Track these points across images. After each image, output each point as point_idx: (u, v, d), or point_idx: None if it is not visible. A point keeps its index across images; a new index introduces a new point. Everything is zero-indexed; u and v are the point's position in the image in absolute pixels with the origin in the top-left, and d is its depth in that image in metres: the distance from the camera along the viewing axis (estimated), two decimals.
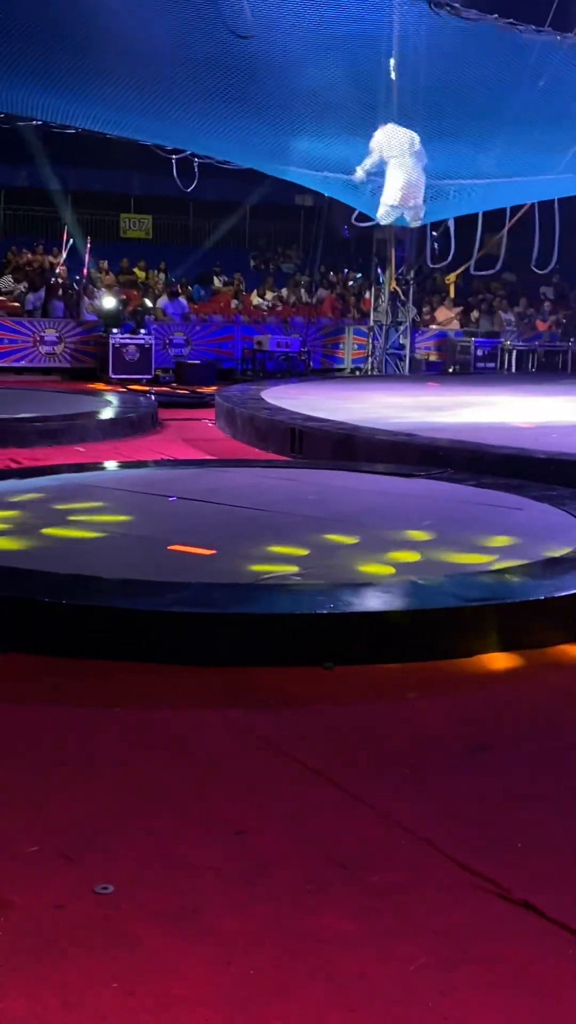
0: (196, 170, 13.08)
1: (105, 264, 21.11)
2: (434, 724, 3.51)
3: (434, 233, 15.88)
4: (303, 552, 4.89)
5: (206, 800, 2.88)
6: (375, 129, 11.70)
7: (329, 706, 3.61)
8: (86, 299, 18.60)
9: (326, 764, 3.09)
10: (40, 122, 12.31)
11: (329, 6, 9.05)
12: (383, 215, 12.53)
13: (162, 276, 22.30)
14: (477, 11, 9.43)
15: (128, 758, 3.14)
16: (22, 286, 19.18)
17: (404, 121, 11.48)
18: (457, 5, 9.35)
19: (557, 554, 4.85)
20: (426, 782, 3.02)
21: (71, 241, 20.05)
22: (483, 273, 18.48)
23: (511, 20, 9.70)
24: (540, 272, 15.71)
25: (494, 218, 17.44)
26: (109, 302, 17.35)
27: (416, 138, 11.51)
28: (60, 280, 19.02)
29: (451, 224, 16.31)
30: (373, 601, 4.14)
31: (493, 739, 3.37)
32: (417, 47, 9.86)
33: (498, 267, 15.63)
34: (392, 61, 10.18)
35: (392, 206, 12.18)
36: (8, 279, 19.75)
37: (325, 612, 3.95)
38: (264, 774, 3.06)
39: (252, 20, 8.38)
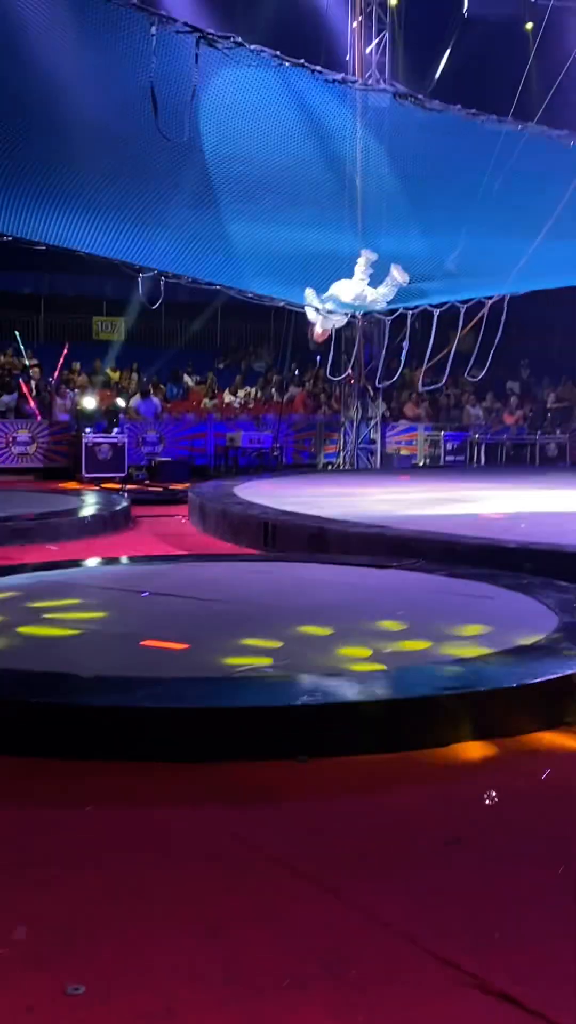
0: (162, 287, 13.32)
1: (78, 365, 21.37)
2: (410, 816, 3.48)
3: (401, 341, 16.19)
4: (276, 644, 4.88)
5: (181, 898, 2.82)
6: (340, 222, 12.06)
7: (304, 800, 3.57)
8: (59, 399, 18.77)
9: (301, 859, 3.05)
10: (10, 238, 12.56)
11: (288, 105, 9.32)
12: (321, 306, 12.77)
13: (135, 376, 22.58)
14: (440, 101, 9.75)
15: (101, 857, 3.09)
16: None
17: (369, 213, 11.86)
18: (421, 97, 9.68)
19: (529, 641, 4.86)
20: (403, 875, 2.99)
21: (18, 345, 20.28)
22: (438, 386, 18.83)
23: (473, 110, 10.00)
24: (473, 379, 15.97)
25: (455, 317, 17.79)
26: (90, 402, 17.52)
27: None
28: (33, 381, 19.21)
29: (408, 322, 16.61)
30: (345, 692, 4.13)
31: (470, 830, 3.34)
32: (381, 138, 10.16)
33: (446, 373, 15.87)
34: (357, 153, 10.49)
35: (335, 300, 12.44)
36: None
37: (297, 704, 3.94)
38: (239, 870, 3.01)
39: (190, 131, 8.56)
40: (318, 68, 8.82)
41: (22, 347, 20.26)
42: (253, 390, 22.73)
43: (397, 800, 3.61)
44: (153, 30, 7.70)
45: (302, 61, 8.69)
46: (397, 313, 15.32)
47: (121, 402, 18.86)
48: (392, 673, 4.35)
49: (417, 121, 9.61)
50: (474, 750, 3.97)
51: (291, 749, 3.83)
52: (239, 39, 8.15)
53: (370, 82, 16.89)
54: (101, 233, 12.11)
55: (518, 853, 3.18)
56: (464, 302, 14.32)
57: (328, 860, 3.08)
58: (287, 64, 8.62)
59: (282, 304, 14.78)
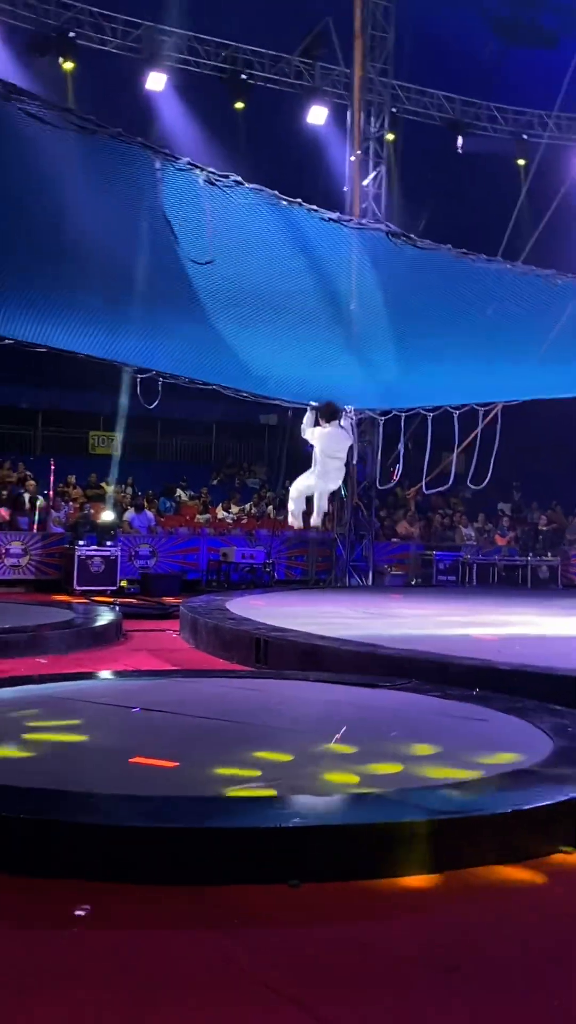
0: (160, 389, 13.56)
1: (73, 479, 21.54)
2: (404, 944, 3.41)
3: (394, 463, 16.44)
4: (266, 764, 4.83)
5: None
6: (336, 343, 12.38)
7: (296, 926, 3.50)
8: (53, 512, 18.86)
9: (294, 987, 2.99)
10: (12, 341, 12.82)
11: (288, 237, 9.58)
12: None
13: (129, 490, 22.74)
14: (431, 241, 10.07)
15: (90, 979, 3.01)
16: None
17: (362, 340, 12.20)
18: (413, 236, 9.99)
19: (524, 766, 4.82)
20: (395, 1004, 2.92)
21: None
22: (438, 490, 19.02)
23: (464, 250, 10.34)
24: (476, 487, 16.18)
25: (448, 437, 18.07)
26: (108, 515, 17.61)
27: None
28: (27, 495, 19.33)
29: (404, 445, 16.88)
30: (338, 815, 4.08)
31: (464, 959, 3.27)
32: (375, 272, 10.46)
33: (448, 483, 16.06)
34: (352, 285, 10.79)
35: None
36: None
37: (288, 827, 3.88)
38: (231, 998, 2.94)
39: (211, 248, 8.83)
40: (314, 208, 9.14)
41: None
42: (247, 506, 22.88)
43: (390, 928, 3.54)
44: (157, 165, 7.97)
45: (299, 200, 9.01)
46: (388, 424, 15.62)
47: (108, 515, 18.80)
48: (386, 796, 4.29)
49: (409, 257, 9.94)
50: (469, 877, 3.90)
51: (282, 873, 3.77)
52: (238, 178, 8.44)
53: (366, 214, 17.48)
54: (100, 338, 12.42)
55: (512, 983, 3.11)
56: (457, 408, 14.60)
57: (320, 988, 3.01)
58: (284, 203, 8.93)
59: (277, 402, 15.00)
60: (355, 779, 4.65)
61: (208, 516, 21.95)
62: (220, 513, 22.42)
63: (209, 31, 20.31)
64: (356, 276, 10.60)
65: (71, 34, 19.11)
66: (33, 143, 7.54)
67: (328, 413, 12.77)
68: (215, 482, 26.57)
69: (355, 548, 18.72)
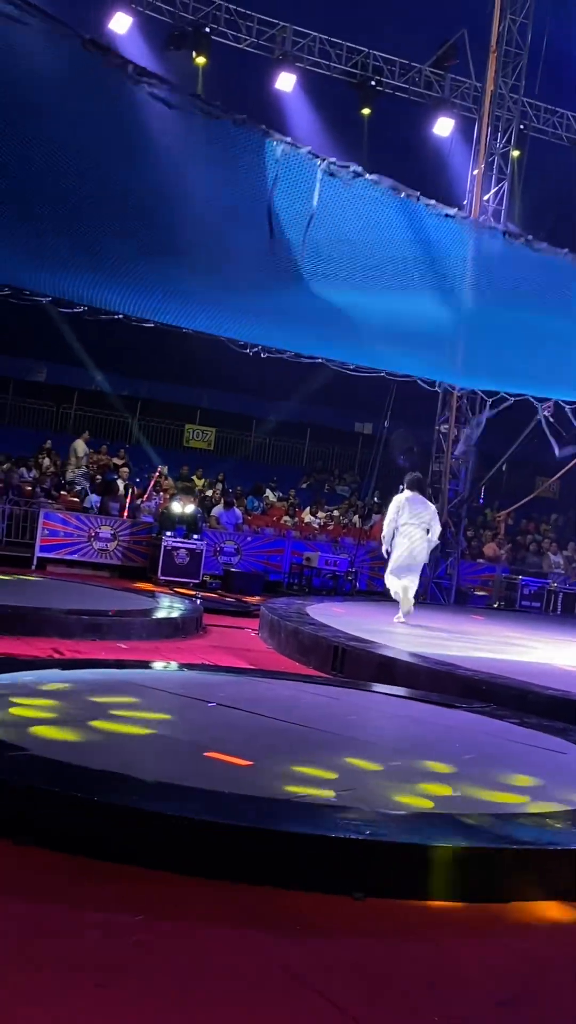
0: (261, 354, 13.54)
1: (165, 470, 21.73)
2: (464, 970, 3.33)
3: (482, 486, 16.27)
4: (336, 773, 4.78)
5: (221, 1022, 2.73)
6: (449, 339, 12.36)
7: (357, 939, 3.44)
8: (145, 502, 19.04)
9: (349, 1001, 2.94)
10: (120, 315, 12.99)
11: (410, 234, 9.56)
12: None
13: (219, 486, 22.87)
14: (547, 244, 9.93)
15: (144, 971, 3.00)
16: (85, 483, 19.76)
17: (473, 337, 12.20)
18: (531, 238, 9.87)
19: None
20: None
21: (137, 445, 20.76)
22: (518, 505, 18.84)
23: None
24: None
25: (548, 461, 17.83)
26: (177, 506, 17.71)
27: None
28: (121, 481, 19.54)
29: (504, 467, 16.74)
30: (410, 832, 4.00)
31: (524, 992, 3.18)
32: (491, 274, 10.38)
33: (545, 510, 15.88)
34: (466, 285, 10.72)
35: None
36: (74, 472, 20.38)
37: (359, 838, 3.82)
38: (283, 1005, 2.90)
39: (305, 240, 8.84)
40: (433, 202, 9.09)
41: (152, 453, 20.73)
42: (334, 512, 22.83)
43: (453, 952, 3.46)
44: (279, 153, 7.98)
45: (418, 193, 8.95)
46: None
47: (176, 507, 18.49)
48: (459, 819, 4.21)
49: (527, 259, 9.83)
50: (539, 910, 3.81)
51: (347, 884, 3.72)
52: (359, 169, 8.42)
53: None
54: (205, 317, 12.58)
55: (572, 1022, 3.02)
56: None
57: (376, 1006, 2.96)
58: (403, 195, 8.88)
59: (383, 374, 14.92)
60: (428, 803, 4.58)
61: (295, 519, 21.96)
62: (307, 517, 22.42)
63: (343, 35, 20.34)
64: (472, 277, 10.54)
65: (207, 29, 19.28)
66: (161, 133, 7.60)
67: (414, 483, 12.54)
68: (304, 486, 26.60)
69: (440, 565, 18.54)
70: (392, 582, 12.34)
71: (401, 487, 12.63)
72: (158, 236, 9.80)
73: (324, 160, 8.20)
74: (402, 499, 12.29)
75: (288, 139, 8.02)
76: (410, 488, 12.43)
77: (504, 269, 10.32)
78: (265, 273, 10.42)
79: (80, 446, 21.56)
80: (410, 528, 12.15)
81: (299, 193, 8.57)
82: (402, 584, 12.19)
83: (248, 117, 7.62)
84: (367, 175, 8.54)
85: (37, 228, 9.72)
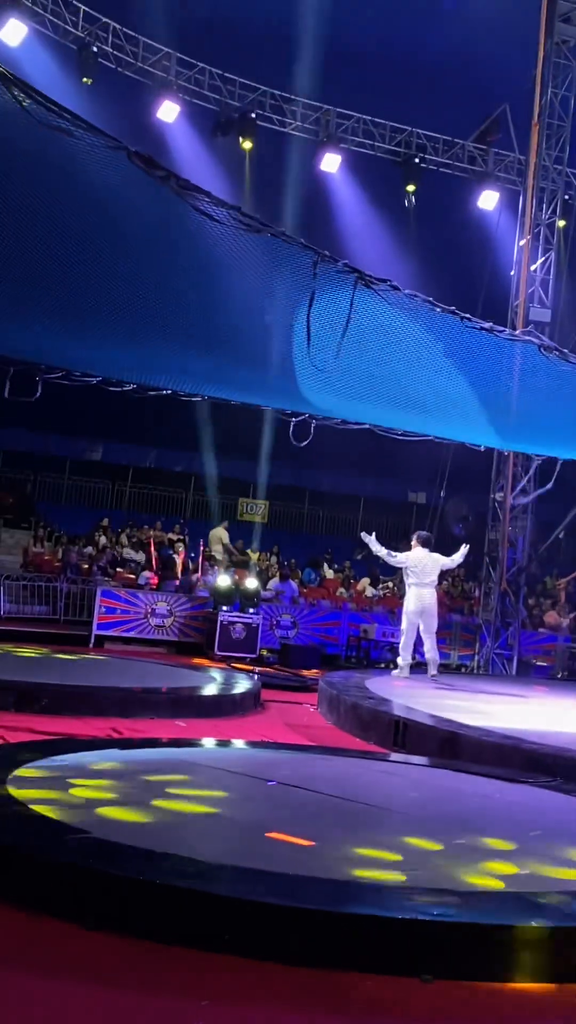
0: (312, 430, 13.75)
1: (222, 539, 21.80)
2: None
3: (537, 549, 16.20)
4: (406, 852, 4.70)
5: None
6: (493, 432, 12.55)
7: (424, 1022, 3.36)
8: (201, 576, 19.11)
9: None
10: (169, 391, 13.33)
11: (463, 344, 9.76)
12: None
13: (274, 559, 22.92)
14: None
15: None
16: (139, 559, 19.91)
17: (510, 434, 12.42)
18: (566, 351, 10.09)
19: None
20: None
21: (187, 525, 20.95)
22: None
23: None
24: None
25: None
26: (224, 581, 17.78)
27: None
28: (178, 557, 19.65)
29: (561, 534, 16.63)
30: (479, 912, 3.92)
31: None
32: (536, 379, 10.54)
33: None
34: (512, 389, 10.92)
35: None
36: (129, 551, 20.55)
37: (427, 919, 3.75)
38: None
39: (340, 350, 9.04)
40: (467, 316, 9.27)
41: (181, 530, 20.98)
42: (391, 582, 22.73)
43: None
44: (316, 269, 8.14)
45: (453, 308, 9.11)
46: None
47: (251, 584, 18.81)
48: (529, 898, 4.11)
49: (561, 371, 10.03)
50: None
51: (415, 966, 3.64)
52: (395, 283, 8.58)
53: (532, 299, 17.42)
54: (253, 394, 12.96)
55: None
56: None
57: None
58: (438, 310, 9.05)
59: (433, 439, 15.05)
60: (499, 884, 4.48)
61: (350, 591, 21.89)
62: (363, 588, 22.34)
63: (385, 115, 20.77)
64: (517, 384, 10.74)
65: (252, 115, 19.79)
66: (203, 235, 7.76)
67: (424, 540, 14.00)
68: (359, 557, 26.54)
69: (500, 635, 18.33)
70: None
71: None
72: (201, 333, 10.14)
73: (360, 274, 8.36)
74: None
75: (326, 252, 8.17)
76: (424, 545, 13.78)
77: (542, 377, 10.49)
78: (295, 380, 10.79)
79: (223, 534, 21.70)
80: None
81: (334, 305, 8.74)
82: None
83: (286, 233, 7.77)
84: (403, 290, 8.70)
85: (92, 322, 10.04)
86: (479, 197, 21.33)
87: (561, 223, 18.84)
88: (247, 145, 20.18)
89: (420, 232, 21.68)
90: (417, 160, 20.84)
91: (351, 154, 20.78)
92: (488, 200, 21.26)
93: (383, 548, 13.93)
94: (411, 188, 21.21)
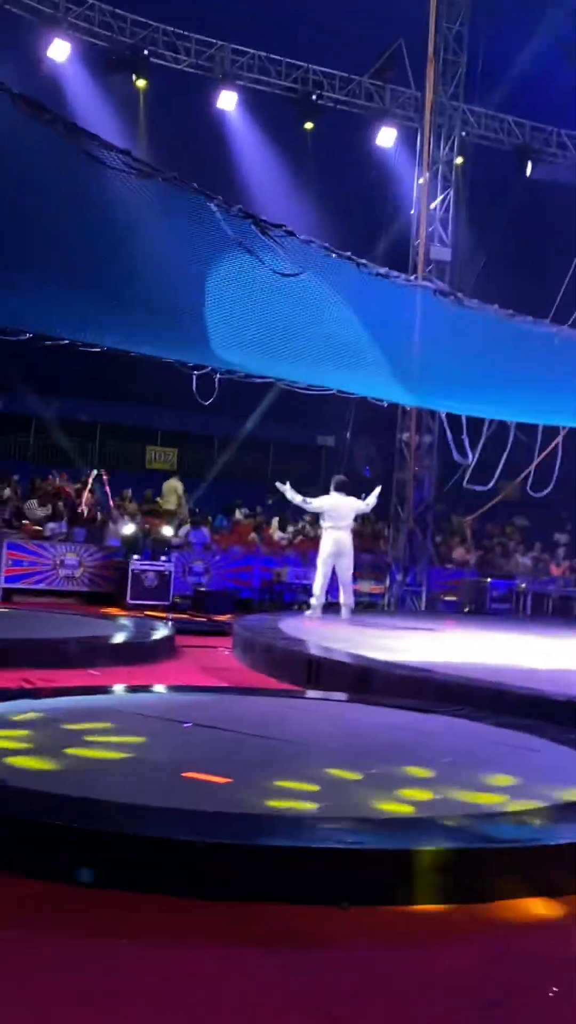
0: (216, 384, 13.67)
1: (129, 493, 21.65)
2: (453, 972, 3.32)
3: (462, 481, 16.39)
4: (317, 785, 4.76)
5: None
6: (399, 377, 12.56)
7: (345, 950, 3.42)
8: (111, 525, 18.96)
9: (341, 1012, 2.91)
10: (67, 341, 13.05)
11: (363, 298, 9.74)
12: None
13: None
14: (478, 300, 10.24)
15: (131, 996, 2.96)
16: (46, 512, 19.64)
17: (424, 378, 12.47)
18: (460, 295, 10.18)
19: None
20: None
21: (96, 472, 20.72)
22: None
23: (510, 311, 10.43)
24: (536, 494, 16.16)
25: (510, 464, 17.93)
26: (128, 529, 17.68)
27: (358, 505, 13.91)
28: (84, 507, 19.46)
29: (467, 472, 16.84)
30: (393, 838, 3.99)
31: (514, 991, 3.17)
32: (436, 326, 10.60)
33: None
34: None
35: None
36: (33, 503, 20.24)
37: (341, 847, 3.81)
38: (276, 1019, 2.87)
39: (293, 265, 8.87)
40: (363, 262, 9.25)
41: (99, 477, 20.68)
42: (302, 526, 22.83)
43: (440, 955, 3.45)
44: (213, 207, 8.02)
45: (349, 254, 9.08)
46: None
47: (167, 531, 18.98)
48: (439, 822, 4.20)
49: (454, 313, 10.08)
50: (525, 908, 3.80)
51: (332, 895, 3.69)
52: (290, 228, 8.50)
53: (432, 238, 17.45)
54: (155, 341, 12.72)
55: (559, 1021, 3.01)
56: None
57: (366, 1014, 2.93)
58: (334, 256, 8.99)
59: (334, 392, 15.09)
60: (413, 796, 4.57)
61: (262, 536, 21.93)
62: (275, 533, 22.40)
63: (281, 51, 20.47)
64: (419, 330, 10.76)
65: (145, 52, 19.34)
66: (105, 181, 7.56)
67: (339, 484, 14.22)
68: (270, 502, 26.58)
69: (409, 572, 18.58)
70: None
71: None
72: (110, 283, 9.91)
73: (256, 219, 8.25)
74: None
75: (219, 197, 8.04)
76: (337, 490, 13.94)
77: (442, 325, 10.54)
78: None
79: (178, 485, 21.87)
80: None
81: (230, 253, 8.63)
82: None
83: (177, 175, 7.59)
84: (298, 235, 8.62)
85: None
86: (377, 134, 21.22)
87: (459, 160, 18.85)
88: (141, 84, 19.75)
89: (319, 170, 21.49)
90: (314, 97, 20.63)
91: (247, 91, 20.47)
92: (386, 137, 21.17)
93: (298, 496, 14.06)
94: (309, 126, 21.01)
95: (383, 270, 9.45)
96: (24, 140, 6.86)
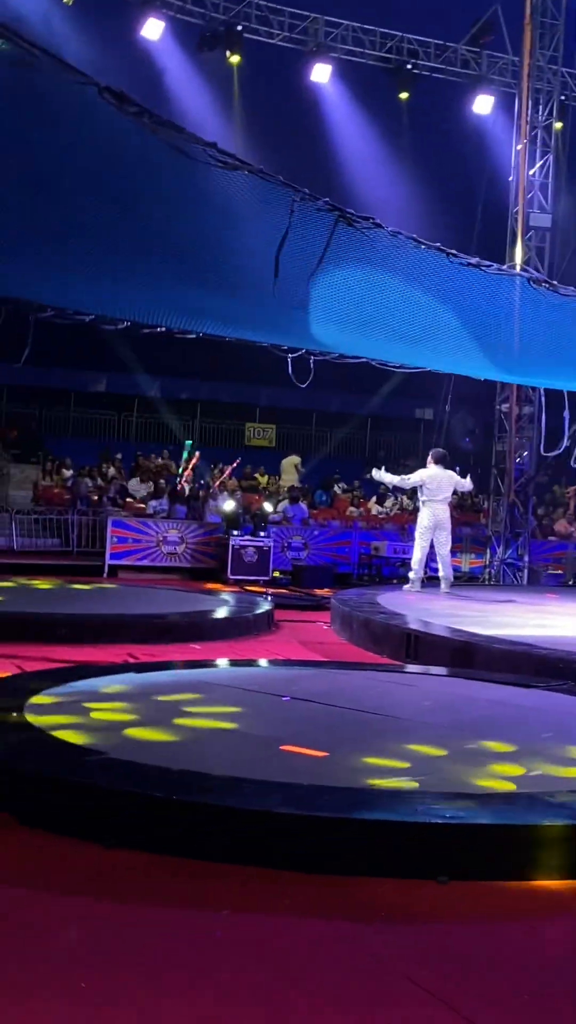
0: (312, 367, 13.66)
1: (228, 469, 21.83)
2: (554, 950, 3.31)
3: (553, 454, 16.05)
4: (419, 758, 4.78)
5: (312, 1014, 2.74)
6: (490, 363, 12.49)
7: (444, 923, 3.44)
8: (211, 502, 19.16)
9: (440, 985, 2.93)
10: (163, 329, 13.17)
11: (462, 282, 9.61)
12: None
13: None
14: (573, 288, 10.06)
15: (231, 967, 3.02)
16: (148, 489, 19.95)
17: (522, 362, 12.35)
18: (555, 283, 9.97)
19: None
20: (542, 1010, 2.83)
21: (192, 450, 20.93)
22: None
23: None
24: None
25: None
26: (229, 505, 17.84)
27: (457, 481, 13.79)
28: (185, 484, 19.69)
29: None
30: (493, 814, 3.98)
31: None
32: (530, 312, 10.41)
33: None
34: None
35: None
36: (135, 482, 20.57)
37: (441, 823, 3.82)
38: (375, 992, 2.90)
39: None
40: (453, 252, 9.09)
41: (186, 452, 20.96)
42: (401, 499, 22.75)
43: (541, 932, 3.44)
44: (295, 206, 7.97)
45: (438, 245, 8.94)
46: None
47: (268, 507, 19.13)
48: (542, 798, 4.18)
49: (549, 298, 9.86)
50: None
51: (432, 869, 3.71)
52: (377, 220, 8.39)
53: (532, 204, 17.12)
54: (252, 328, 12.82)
55: None
56: None
57: (466, 988, 2.95)
58: (423, 247, 8.86)
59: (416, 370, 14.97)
60: (516, 772, 4.55)
61: (361, 510, 21.92)
62: (373, 507, 22.37)
63: (375, 22, 20.25)
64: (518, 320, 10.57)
65: (239, 27, 19.31)
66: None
67: (439, 457, 13.98)
68: (368, 476, 26.51)
69: (510, 545, 18.37)
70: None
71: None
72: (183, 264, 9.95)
73: (342, 212, 8.16)
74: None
75: (305, 191, 7.97)
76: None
77: (538, 307, 10.32)
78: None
79: (297, 461, 22.54)
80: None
81: (312, 241, 8.56)
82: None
83: (264, 168, 7.54)
84: (385, 227, 8.51)
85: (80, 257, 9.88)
86: (474, 102, 20.88)
87: (558, 125, 18.44)
88: (234, 59, 19.74)
89: (415, 140, 21.26)
90: (409, 66, 20.36)
91: (341, 63, 20.30)
92: (483, 104, 20.82)
93: (395, 477, 14.07)
94: (404, 95, 20.77)
95: (474, 260, 9.30)
96: (130, 135, 6.90)
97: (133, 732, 5.07)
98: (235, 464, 20.89)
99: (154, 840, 3.90)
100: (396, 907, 3.51)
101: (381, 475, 14.03)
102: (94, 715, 5.44)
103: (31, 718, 5.22)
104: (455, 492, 14.33)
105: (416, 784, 4.34)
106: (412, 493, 23.01)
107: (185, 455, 21.08)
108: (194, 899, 3.52)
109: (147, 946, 3.14)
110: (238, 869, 3.72)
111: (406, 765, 4.64)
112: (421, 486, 13.86)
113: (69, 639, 9.10)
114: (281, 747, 4.91)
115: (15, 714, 5.28)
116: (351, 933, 3.31)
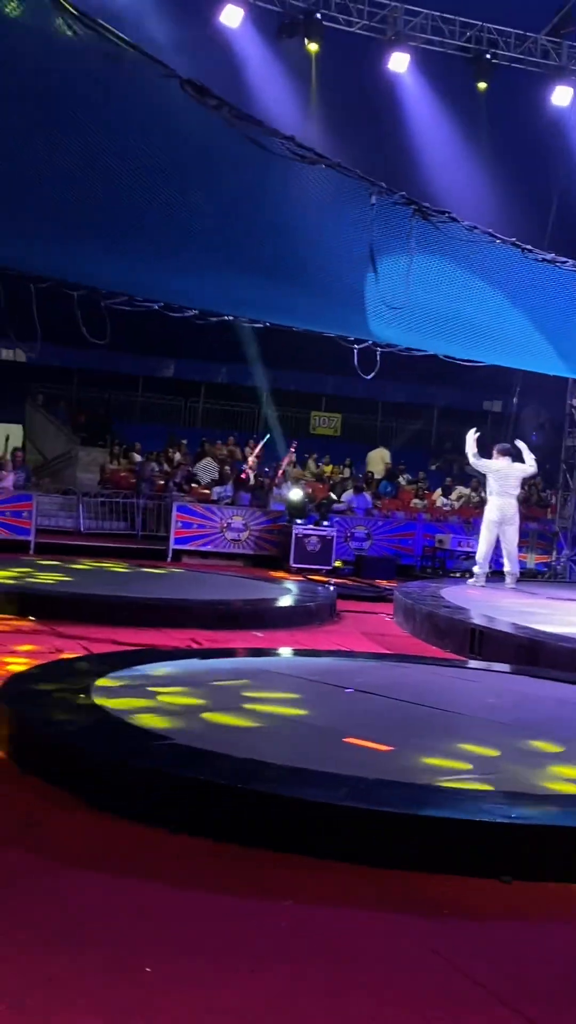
0: (378, 359, 13.61)
1: (294, 457, 21.83)
2: None
3: None
4: (483, 757, 4.76)
5: (373, 1009, 2.75)
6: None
7: (507, 922, 3.43)
8: (275, 490, 19.20)
9: (502, 985, 2.93)
10: (231, 318, 13.24)
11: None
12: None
13: (348, 471, 22.91)
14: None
15: (295, 956, 3.04)
16: (213, 476, 20.05)
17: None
18: None
19: None
20: None
21: (267, 437, 20.94)
22: None
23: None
24: None
25: None
26: (296, 494, 17.85)
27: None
28: (250, 472, 19.75)
29: None
30: (558, 815, 3.96)
31: None
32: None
33: None
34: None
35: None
36: (200, 467, 20.69)
37: (506, 822, 3.80)
38: (436, 989, 2.91)
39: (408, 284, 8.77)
40: (528, 247, 8.97)
41: (271, 441, 21.05)
42: (467, 492, 22.59)
43: None
44: (373, 200, 7.93)
45: (513, 239, 8.82)
46: None
47: (333, 495, 19.14)
48: None
49: None
50: None
51: (494, 868, 3.70)
52: (453, 215, 8.32)
53: None
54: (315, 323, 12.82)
55: None
56: None
57: (529, 990, 2.94)
58: (498, 241, 8.76)
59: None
60: (573, 787, 4.51)
61: (426, 502, 21.81)
62: (438, 499, 22.25)
63: (454, 10, 20.04)
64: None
65: (318, 15, 19.23)
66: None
67: (505, 451, 13.98)
68: (434, 467, 26.37)
69: None
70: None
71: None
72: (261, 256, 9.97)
73: (418, 205, 8.11)
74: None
75: (382, 184, 7.93)
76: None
77: None
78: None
79: (385, 454, 22.93)
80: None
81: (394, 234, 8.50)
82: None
83: (342, 163, 7.50)
84: (461, 221, 8.43)
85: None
86: (553, 93, 20.59)
87: None
88: (313, 47, 19.67)
89: (492, 130, 21.02)
90: (488, 56, 20.12)
91: (420, 52, 20.12)
92: (563, 96, 20.52)
93: (475, 447, 13.88)
94: (482, 85, 20.54)
95: (549, 255, 9.18)
96: (203, 126, 6.92)
97: (208, 716, 5.12)
98: (293, 448, 20.79)
99: (219, 828, 3.93)
100: (459, 905, 3.51)
101: (471, 435, 13.93)
102: (161, 699, 5.50)
103: (98, 700, 5.29)
104: (523, 485, 14.17)
105: (478, 779, 4.33)
106: (478, 486, 22.87)
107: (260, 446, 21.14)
108: (258, 888, 3.55)
109: (211, 933, 3.18)
110: (302, 860, 3.74)
111: (468, 767, 4.62)
112: (488, 478, 13.73)
113: (135, 622, 9.19)
114: (344, 739, 4.92)
115: (83, 696, 5.35)
116: (414, 929, 3.31)
